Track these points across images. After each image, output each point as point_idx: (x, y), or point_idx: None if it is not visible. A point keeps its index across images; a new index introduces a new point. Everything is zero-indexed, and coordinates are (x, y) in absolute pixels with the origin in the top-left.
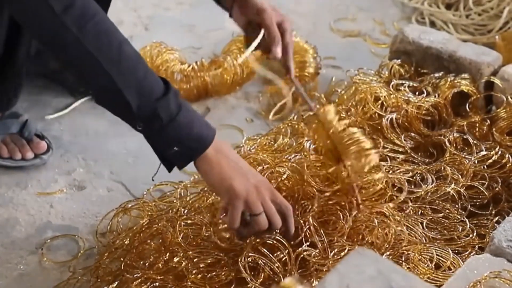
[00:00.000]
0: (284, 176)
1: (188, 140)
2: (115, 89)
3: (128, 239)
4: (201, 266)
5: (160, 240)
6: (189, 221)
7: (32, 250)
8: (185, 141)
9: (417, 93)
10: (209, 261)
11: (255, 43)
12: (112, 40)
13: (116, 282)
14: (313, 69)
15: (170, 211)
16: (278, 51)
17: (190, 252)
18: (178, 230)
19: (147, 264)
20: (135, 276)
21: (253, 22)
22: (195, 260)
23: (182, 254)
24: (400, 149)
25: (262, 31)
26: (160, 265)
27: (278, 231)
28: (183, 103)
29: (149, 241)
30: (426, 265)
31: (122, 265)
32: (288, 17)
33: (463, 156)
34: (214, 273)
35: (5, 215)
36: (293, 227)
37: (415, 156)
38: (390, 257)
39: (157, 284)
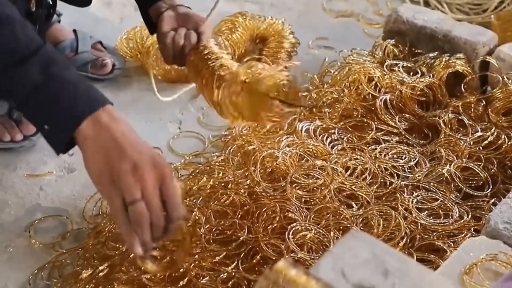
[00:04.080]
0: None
1: (53, 117)
2: None
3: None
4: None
5: None
6: None
7: (21, 232)
8: (50, 117)
9: (411, 73)
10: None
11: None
12: None
13: (103, 266)
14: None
15: None
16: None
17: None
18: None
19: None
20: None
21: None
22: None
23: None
24: (394, 131)
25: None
26: None
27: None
28: (54, 74)
29: None
30: None
31: (105, 242)
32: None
33: (458, 137)
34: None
35: None
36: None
37: (410, 138)
38: None
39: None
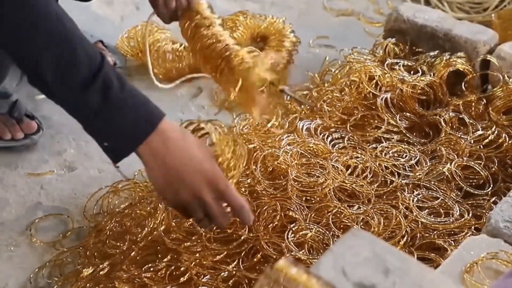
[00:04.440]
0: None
1: (113, 139)
2: (36, 71)
3: (115, 218)
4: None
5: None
6: None
7: (22, 231)
8: (110, 139)
9: (412, 72)
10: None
11: None
12: (32, 15)
13: (104, 265)
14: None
15: None
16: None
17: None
18: (170, 211)
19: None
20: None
21: None
22: (187, 244)
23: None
24: (395, 129)
25: None
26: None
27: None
28: (113, 96)
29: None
30: None
31: (106, 241)
32: None
33: (459, 136)
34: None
35: None
36: (249, 219)
37: (410, 136)
38: None
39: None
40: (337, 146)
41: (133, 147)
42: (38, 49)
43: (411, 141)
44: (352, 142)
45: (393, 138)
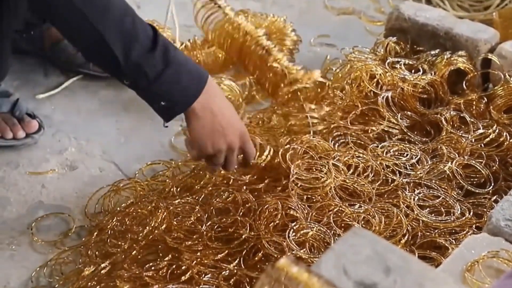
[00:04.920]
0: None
1: (173, 97)
2: (102, 43)
3: (116, 217)
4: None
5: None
6: (181, 201)
7: (24, 230)
8: (171, 97)
9: (413, 71)
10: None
11: None
12: None
13: (105, 263)
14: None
15: (163, 190)
16: None
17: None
18: (171, 210)
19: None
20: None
21: None
22: (188, 243)
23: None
24: (396, 128)
25: None
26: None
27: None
28: (172, 58)
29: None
30: None
31: (108, 240)
32: None
33: (460, 134)
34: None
35: None
36: (253, 155)
37: (411, 135)
38: None
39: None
40: (338, 144)
41: (188, 104)
42: (107, 23)
43: (412, 140)
44: (354, 139)
45: (394, 137)
